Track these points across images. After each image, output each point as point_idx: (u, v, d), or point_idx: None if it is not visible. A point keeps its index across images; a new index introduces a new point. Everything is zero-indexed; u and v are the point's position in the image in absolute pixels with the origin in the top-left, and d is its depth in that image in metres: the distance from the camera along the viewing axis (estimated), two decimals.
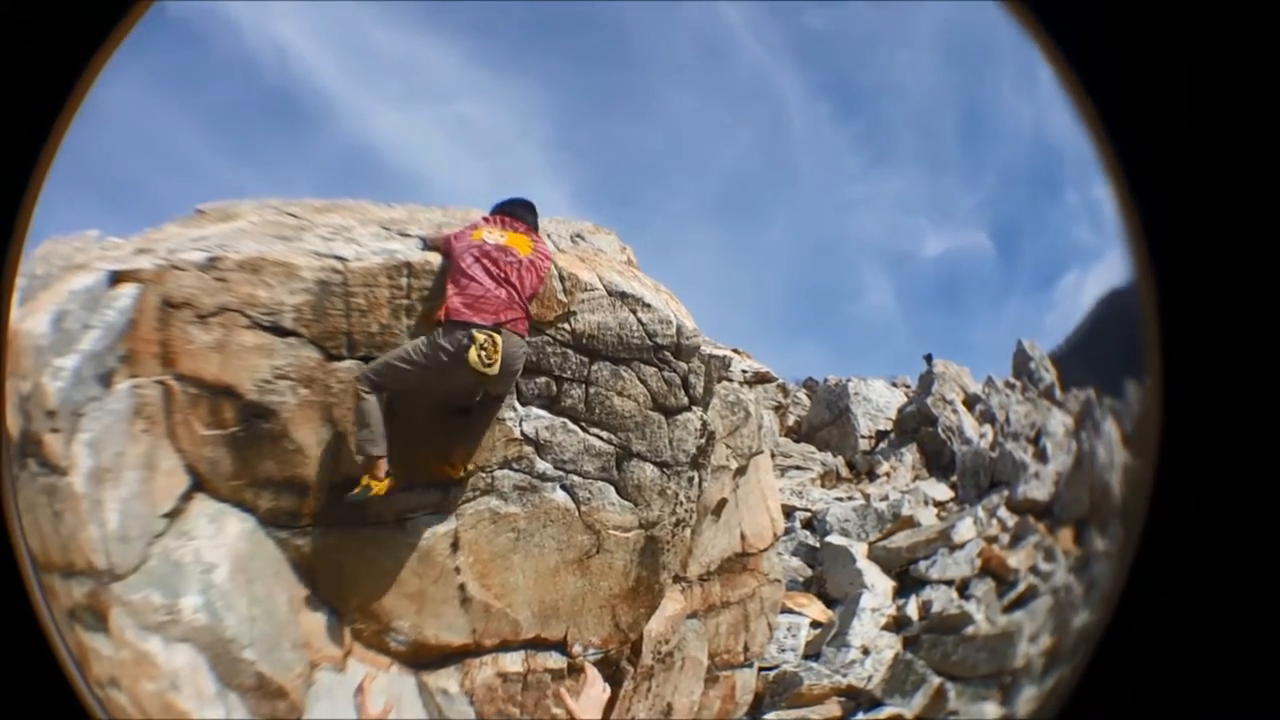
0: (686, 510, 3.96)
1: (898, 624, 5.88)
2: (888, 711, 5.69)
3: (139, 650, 3.18)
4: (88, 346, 3.43)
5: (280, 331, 3.67)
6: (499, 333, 3.11)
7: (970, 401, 7.88)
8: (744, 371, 4.62)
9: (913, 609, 5.91)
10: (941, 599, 6.01)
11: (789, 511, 6.48)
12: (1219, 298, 1.03)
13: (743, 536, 4.55)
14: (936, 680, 5.73)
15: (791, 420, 8.79)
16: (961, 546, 6.17)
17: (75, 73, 1.19)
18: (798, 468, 7.53)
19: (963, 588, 6.36)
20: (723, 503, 4.28)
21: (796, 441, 8.32)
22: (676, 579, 4.18)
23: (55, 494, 3.18)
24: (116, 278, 3.70)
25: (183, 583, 3.39)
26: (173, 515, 3.62)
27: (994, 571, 6.60)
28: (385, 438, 3.25)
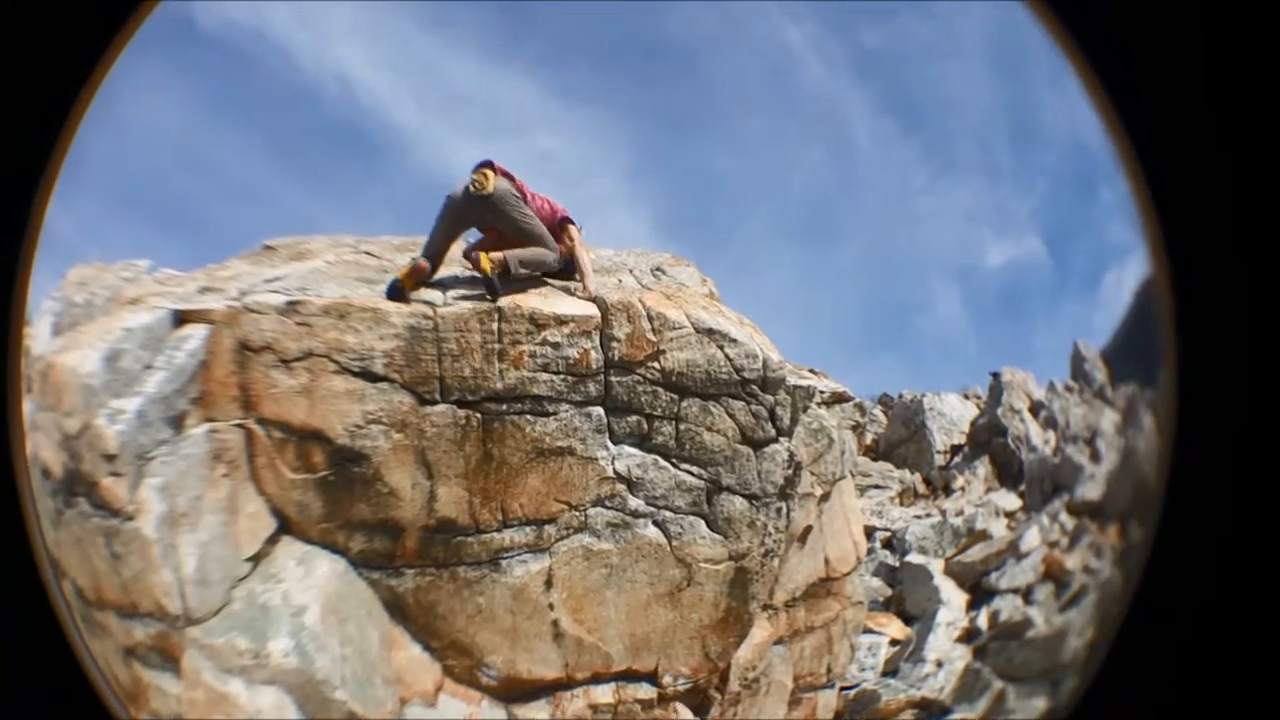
0: (775, 540, 3.96)
1: (969, 635, 5.90)
2: (954, 718, 5.72)
3: (217, 692, 3.21)
4: (152, 389, 3.43)
5: (371, 377, 3.70)
6: (489, 170, 3.77)
7: (1035, 408, 7.87)
8: (821, 392, 4.61)
9: (983, 619, 5.93)
10: (1008, 607, 6.00)
11: (869, 532, 6.53)
12: (1232, 290, 1.06)
13: (827, 561, 4.55)
14: (999, 684, 5.76)
15: (869, 439, 8.81)
16: (1027, 555, 6.16)
17: (83, 73, 1.18)
18: (877, 486, 7.55)
19: (1027, 594, 6.35)
20: (808, 530, 4.29)
21: (874, 460, 8.35)
22: (764, 606, 4.20)
23: (116, 537, 3.18)
24: (181, 318, 3.71)
25: (271, 626, 3.40)
26: (257, 559, 3.63)
27: (1054, 575, 6.58)
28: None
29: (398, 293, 3.71)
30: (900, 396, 8.96)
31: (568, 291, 3.95)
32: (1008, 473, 7.51)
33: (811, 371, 5.06)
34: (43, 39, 1.14)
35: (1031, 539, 6.33)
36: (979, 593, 6.22)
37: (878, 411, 9.31)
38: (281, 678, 3.32)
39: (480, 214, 3.82)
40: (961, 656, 5.81)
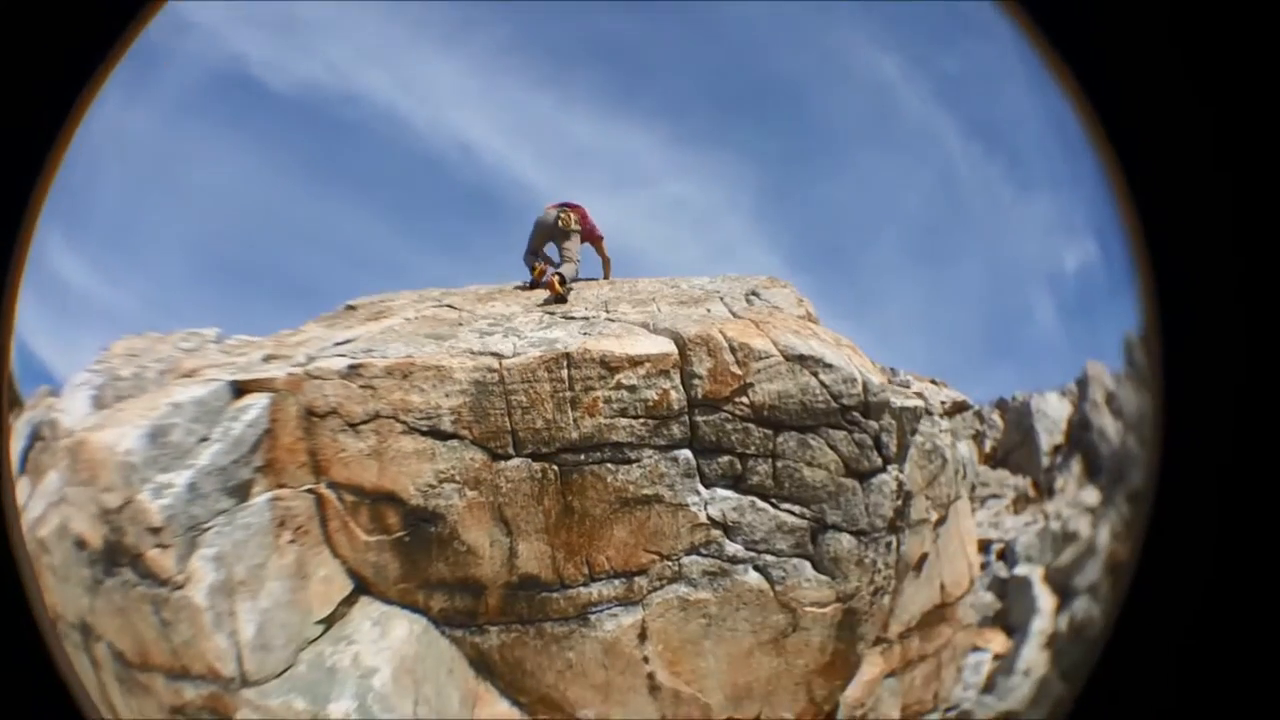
0: (885, 578, 3.62)
1: (1053, 640, 5.58)
2: None
3: None
4: (206, 461, 3.37)
5: (440, 435, 3.50)
6: (572, 209, 5.27)
7: (1109, 400, 7.43)
8: (942, 402, 4.24)
9: (1064, 622, 5.59)
10: (1083, 607, 5.66)
11: (985, 545, 6.27)
12: (1213, 281, 1.09)
13: (942, 587, 4.19)
14: (1060, 687, 5.43)
15: (988, 446, 8.52)
16: (1099, 551, 5.78)
17: (77, 86, 1.19)
18: (995, 496, 7.23)
19: (1095, 592, 5.99)
20: (923, 557, 3.93)
21: (994, 468, 8.04)
22: (877, 640, 3.87)
23: (164, 605, 3.16)
24: (240, 388, 3.63)
25: (335, 688, 3.33)
26: (330, 621, 3.55)
27: (1114, 569, 6.18)
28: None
29: (560, 299, 4.58)
30: (1014, 399, 8.63)
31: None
32: (1094, 467, 7.10)
33: (933, 382, 4.72)
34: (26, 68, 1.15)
35: (1104, 535, 5.94)
36: (1065, 595, 5.86)
37: (995, 417, 8.97)
38: None
39: (554, 234, 5.24)
40: (1043, 664, 5.49)
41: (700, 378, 3.43)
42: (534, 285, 5.05)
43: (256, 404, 3.55)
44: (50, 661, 1.21)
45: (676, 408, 3.41)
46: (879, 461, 3.48)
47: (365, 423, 3.50)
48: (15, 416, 3.62)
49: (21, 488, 3.55)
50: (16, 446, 3.68)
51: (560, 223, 5.20)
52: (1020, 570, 6.05)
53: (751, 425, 3.41)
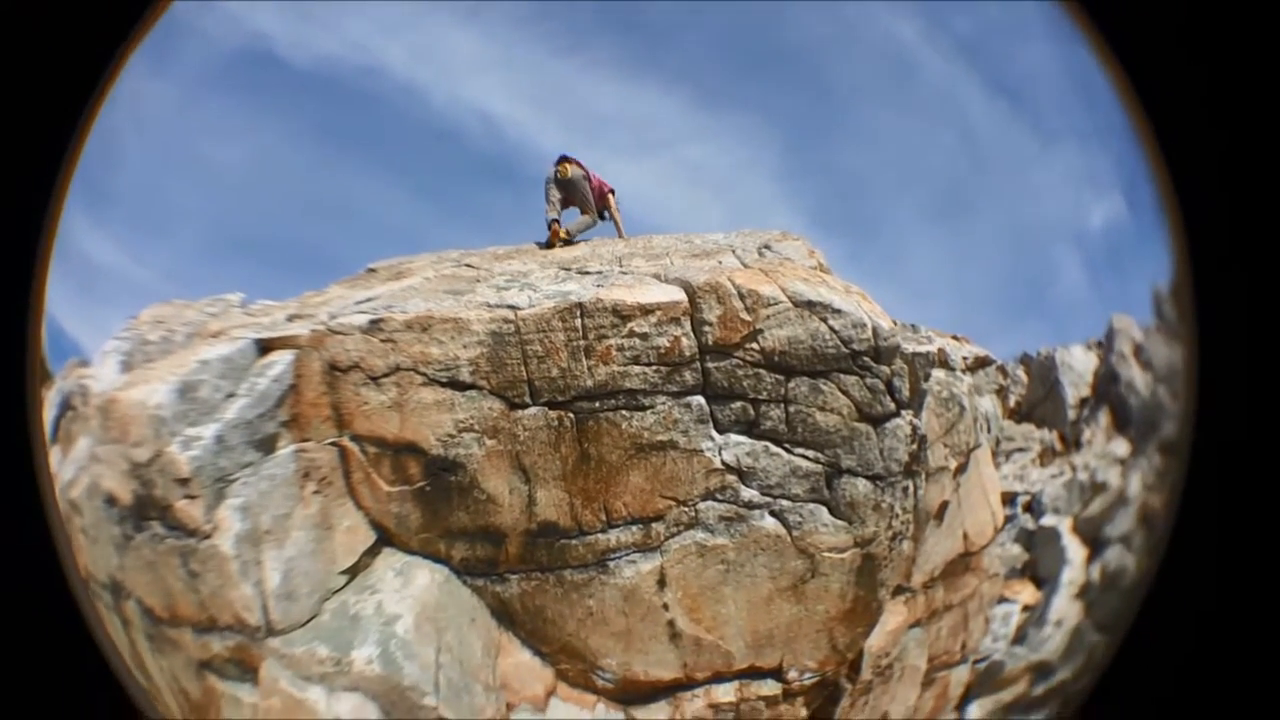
0: (903, 523, 3.61)
1: (1084, 590, 5.51)
2: (1057, 679, 5.39)
3: (293, 699, 3.25)
4: (233, 415, 3.48)
5: (459, 386, 3.58)
6: (568, 162, 5.52)
7: (1138, 351, 7.28)
8: (964, 357, 4.20)
9: (1096, 572, 5.51)
10: (1115, 557, 5.56)
11: (1012, 497, 6.35)
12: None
13: (965, 536, 4.15)
14: (1096, 638, 5.37)
15: (1013, 401, 8.47)
16: (1131, 502, 5.68)
17: (97, 71, 1.20)
18: (1020, 450, 7.23)
19: (1129, 541, 5.88)
20: (944, 505, 3.90)
21: (1019, 423, 8.00)
22: (900, 589, 3.87)
23: (192, 555, 3.27)
24: (265, 346, 3.74)
25: (358, 635, 3.40)
26: (354, 571, 3.66)
27: (1148, 519, 6.05)
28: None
29: (550, 246, 5.04)
30: (1038, 354, 8.54)
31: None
32: (1124, 419, 6.98)
33: (954, 338, 4.67)
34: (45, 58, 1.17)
35: (1134, 485, 5.82)
36: (1097, 546, 5.78)
37: (1020, 372, 8.88)
38: (364, 684, 3.32)
39: (563, 187, 5.46)
40: (1077, 614, 5.42)
41: (710, 324, 3.45)
42: (550, 246, 5.13)
43: (281, 360, 3.66)
44: (84, 625, 1.25)
45: (688, 354, 3.44)
46: (892, 406, 3.47)
47: (386, 376, 3.60)
48: (46, 389, 3.73)
49: (53, 456, 3.63)
50: (48, 417, 3.77)
51: (559, 174, 5.43)
52: (1047, 521, 5.98)
53: (763, 371, 3.42)
